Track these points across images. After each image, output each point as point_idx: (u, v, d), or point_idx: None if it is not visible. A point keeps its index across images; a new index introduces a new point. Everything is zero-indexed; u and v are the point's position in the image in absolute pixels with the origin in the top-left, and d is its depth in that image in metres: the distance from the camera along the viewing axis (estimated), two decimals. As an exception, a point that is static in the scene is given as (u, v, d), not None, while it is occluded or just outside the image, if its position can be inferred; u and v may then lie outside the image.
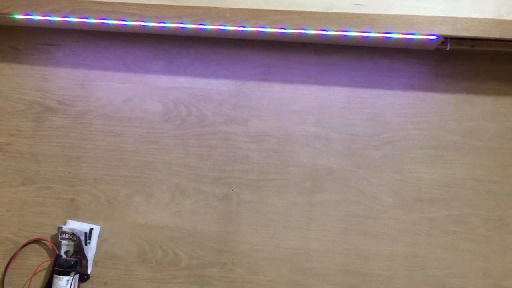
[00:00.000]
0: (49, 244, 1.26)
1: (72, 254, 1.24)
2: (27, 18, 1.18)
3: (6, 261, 1.26)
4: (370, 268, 1.20)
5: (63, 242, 1.25)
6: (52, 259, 1.25)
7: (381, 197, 1.20)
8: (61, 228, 1.25)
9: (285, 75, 1.25)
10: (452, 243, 1.19)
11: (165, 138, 1.28)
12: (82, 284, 1.24)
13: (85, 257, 1.24)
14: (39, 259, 1.26)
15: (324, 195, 1.22)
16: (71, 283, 1.19)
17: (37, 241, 1.27)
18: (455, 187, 1.19)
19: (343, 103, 1.23)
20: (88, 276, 1.25)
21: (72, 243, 1.25)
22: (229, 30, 1.14)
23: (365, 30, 1.06)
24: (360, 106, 1.23)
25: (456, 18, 1.04)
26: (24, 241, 1.27)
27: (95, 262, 1.26)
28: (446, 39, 1.08)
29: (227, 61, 1.28)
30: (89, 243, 1.25)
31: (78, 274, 1.21)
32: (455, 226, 1.19)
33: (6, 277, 1.26)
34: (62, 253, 1.24)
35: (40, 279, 1.26)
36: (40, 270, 1.26)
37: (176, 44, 1.29)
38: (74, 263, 1.21)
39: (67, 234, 1.25)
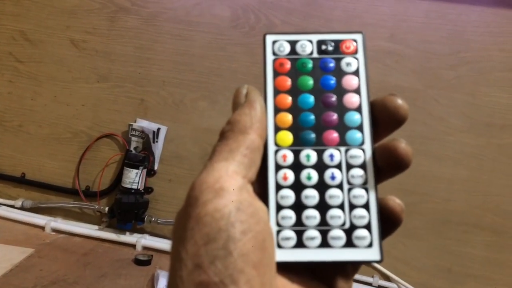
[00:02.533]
0: (120, 139, 1.34)
1: (141, 150, 1.32)
2: None
3: (81, 152, 1.36)
4: (429, 189, 1.19)
5: (133, 138, 1.32)
6: (123, 153, 1.33)
7: (450, 119, 1.17)
8: (131, 125, 1.32)
9: (361, -15, 1.19)
10: (520, 172, 1.15)
11: (232, 45, 1.28)
12: (149, 179, 1.33)
13: (153, 154, 1.32)
14: (111, 152, 1.35)
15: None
16: (140, 176, 1.27)
17: (109, 135, 1.36)
18: (532, 115, 1.13)
19: (421, 18, 1.16)
20: (154, 171, 1.33)
21: (141, 140, 1.32)
22: None
23: None
24: (439, 21, 1.15)
25: None
26: (98, 135, 1.35)
27: (161, 160, 1.34)
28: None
29: (301, -34, 1.22)
30: (157, 142, 1.31)
31: (146, 169, 1.30)
32: (525, 155, 1.14)
33: (80, 166, 1.36)
34: (131, 148, 1.32)
35: (111, 170, 1.36)
36: (112, 163, 1.36)
37: None
38: (143, 158, 1.28)
39: (136, 131, 1.32)
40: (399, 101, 0.29)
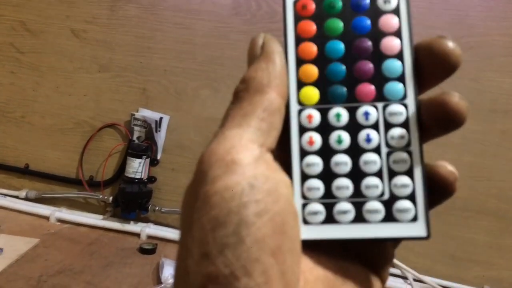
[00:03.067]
0: (123, 129, 1.35)
1: (144, 140, 1.32)
2: None
3: (84, 142, 1.36)
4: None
5: (136, 128, 1.32)
6: (126, 143, 1.34)
7: (453, 105, 1.16)
8: (133, 115, 1.32)
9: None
10: (523, 157, 1.15)
11: (234, 33, 1.27)
12: (152, 168, 1.33)
13: (155, 143, 1.32)
14: (114, 142, 1.36)
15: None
16: (143, 165, 1.28)
17: (112, 125, 1.36)
18: (535, 100, 1.13)
19: (424, 3, 1.15)
20: (157, 161, 1.34)
21: (144, 130, 1.32)
22: None
23: None
24: (442, 7, 1.14)
25: None
26: (100, 124, 1.35)
27: (164, 149, 1.34)
28: None
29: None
30: (159, 131, 1.32)
31: (149, 159, 1.30)
32: (529, 140, 1.14)
33: (84, 156, 1.36)
34: (134, 138, 1.32)
35: (114, 160, 1.36)
36: (115, 152, 1.36)
37: None
38: (146, 148, 1.29)
39: (139, 121, 1.32)
40: (450, 45, 0.23)
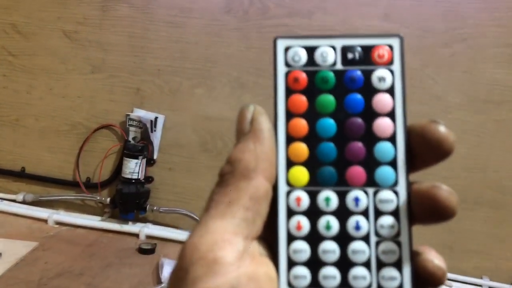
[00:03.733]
0: (118, 130, 1.34)
1: (139, 140, 1.32)
2: None
3: (80, 143, 1.36)
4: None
5: (131, 128, 1.32)
6: (121, 144, 1.33)
7: (447, 98, 1.16)
8: (128, 115, 1.32)
9: (355, -36, 1.17)
10: (518, 147, 1.15)
11: (226, 30, 1.27)
12: (149, 168, 1.33)
13: (151, 143, 1.32)
14: (110, 143, 1.35)
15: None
16: (139, 165, 1.28)
17: (107, 126, 1.35)
18: (529, 90, 1.13)
19: (416, -5, 1.15)
20: (154, 161, 1.33)
21: (139, 130, 1.32)
22: None
23: None
24: (434, -2, 1.14)
25: None
26: (95, 126, 1.35)
27: (160, 149, 1.34)
28: None
29: None
30: (155, 131, 1.31)
31: (145, 159, 1.30)
32: (523, 130, 1.14)
33: (80, 158, 1.36)
34: (130, 138, 1.31)
35: (111, 161, 1.36)
36: (111, 153, 1.36)
37: None
38: (142, 148, 1.29)
39: (134, 121, 1.32)
40: (443, 131, 0.23)
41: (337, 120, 0.24)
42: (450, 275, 1.20)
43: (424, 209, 0.23)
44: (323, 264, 0.23)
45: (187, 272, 0.20)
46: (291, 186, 0.24)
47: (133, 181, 1.27)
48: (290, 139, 0.24)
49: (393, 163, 0.24)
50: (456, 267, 1.21)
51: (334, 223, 0.24)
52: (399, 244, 0.23)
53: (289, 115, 0.25)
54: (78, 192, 1.36)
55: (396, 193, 0.24)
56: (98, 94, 1.35)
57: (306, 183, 0.24)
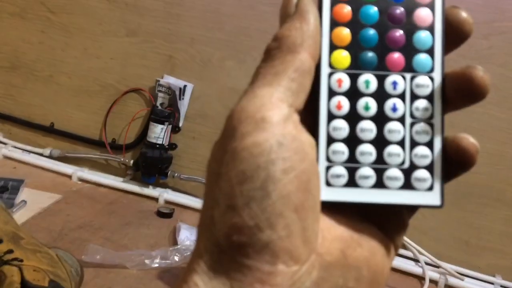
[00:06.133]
0: (147, 94, 1.36)
1: (167, 106, 1.34)
2: None
3: (109, 105, 1.39)
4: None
5: (160, 94, 1.34)
6: (149, 108, 1.35)
7: (480, 91, 1.14)
8: (158, 81, 1.34)
9: None
10: (547, 148, 1.13)
11: (262, 4, 1.27)
12: (174, 135, 1.35)
13: (178, 111, 1.33)
14: (138, 107, 1.38)
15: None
16: (165, 131, 1.30)
17: (136, 90, 1.38)
18: None
19: (458, -16, 1.13)
20: (179, 128, 1.35)
21: (168, 96, 1.34)
22: None
23: None
24: (477, -11, 1.12)
25: None
26: (125, 89, 1.37)
27: (186, 117, 1.36)
28: None
29: None
30: (183, 99, 1.33)
31: (171, 125, 1.32)
32: (555, 131, 1.12)
33: (108, 119, 1.39)
34: (158, 104, 1.33)
35: (137, 124, 1.39)
36: (138, 117, 1.38)
37: None
38: (168, 114, 1.30)
39: (163, 87, 1.33)
40: (463, 15, 0.25)
41: (380, 7, 0.25)
42: (462, 270, 1.19)
43: (458, 90, 0.25)
44: (361, 141, 0.25)
45: (235, 130, 0.22)
46: (333, 68, 0.25)
47: (158, 146, 1.29)
48: (334, 24, 0.25)
49: (430, 51, 0.25)
50: (470, 262, 1.20)
51: (373, 104, 0.25)
52: (432, 125, 0.25)
53: (334, 0, 0.26)
54: (103, 152, 1.39)
55: (431, 78, 0.25)
56: (131, 57, 1.37)
57: (348, 66, 0.25)
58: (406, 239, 1.19)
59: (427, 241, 1.20)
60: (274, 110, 0.22)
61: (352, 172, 0.25)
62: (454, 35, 0.25)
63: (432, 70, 0.25)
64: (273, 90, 0.23)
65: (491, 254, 1.20)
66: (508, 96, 1.13)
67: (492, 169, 1.17)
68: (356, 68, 0.25)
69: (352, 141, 0.25)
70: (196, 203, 1.30)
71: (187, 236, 1.07)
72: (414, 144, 0.25)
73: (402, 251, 1.20)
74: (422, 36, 0.25)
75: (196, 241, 0.23)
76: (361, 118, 0.25)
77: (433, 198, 0.25)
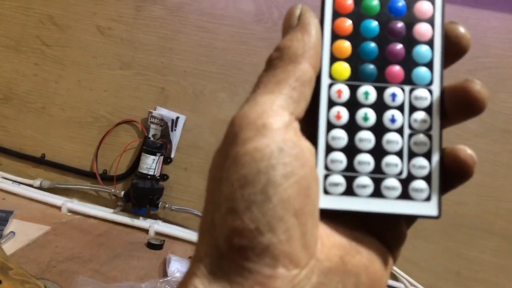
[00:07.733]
0: (140, 126, 1.37)
1: (159, 138, 1.35)
2: None
3: (101, 136, 1.39)
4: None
5: (152, 125, 1.35)
6: (141, 140, 1.36)
7: (466, 123, 1.16)
8: (151, 112, 1.35)
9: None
10: (533, 179, 1.15)
11: (254, 39, 1.30)
12: (165, 166, 1.36)
13: (170, 142, 1.34)
14: (130, 138, 1.38)
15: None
16: (156, 162, 1.30)
17: (129, 121, 1.39)
18: (548, 123, 1.14)
19: (442, 21, 1.18)
20: (171, 159, 1.36)
21: (160, 128, 1.35)
22: None
23: None
24: (460, 26, 1.17)
25: None
26: (118, 120, 1.38)
27: (178, 149, 1.36)
28: None
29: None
30: (175, 130, 1.34)
31: (163, 156, 1.32)
32: (539, 163, 1.15)
33: (99, 150, 1.39)
34: (150, 135, 1.34)
35: (129, 156, 1.39)
36: (130, 148, 1.39)
37: None
38: (160, 146, 1.31)
39: (156, 119, 1.35)
40: (461, 30, 0.26)
41: (380, 22, 0.26)
42: (454, 302, 1.19)
43: (456, 104, 0.25)
44: (359, 151, 0.25)
45: (237, 135, 0.22)
46: (333, 79, 0.26)
47: (149, 176, 1.30)
48: (335, 37, 0.26)
49: (429, 65, 0.26)
50: (461, 294, 1.20)
51: (371, 115, 0.26)
52: (430, 137, 0.25)
53: (336, 14, 0.26)
54: (93, 183, 1.39)
55: (430, 91, 0.26)
56: (124, 90, 1.38)
57: (348, 77, 0.26)
58: (397, 269, 1.18)
59: (418, 272, 1.20)
60: (275, 117, 0.23)
61: (350, 181, 0.25)
62: (452, 49, 0.26)
63: (431, 83, 0.26)
64: (274, 97, 0.23)
65: (482, 285, 1.21)
66: (493, 128, 1.16)
67: (481, 200, 1.18)
68: (356, 79, 0.26)
69: (351, 150, 0.25)
70: (187, 234, 1.29)
71: (178, 268, 1.06)
72: (412, 154, 0.25)
73: (393, 283, 1.20)
74: (422, 50, 0.26)
75: (196, 246, 0.23)
76: (360, 128, 0.26)
77: (430, 208, 0.25)
